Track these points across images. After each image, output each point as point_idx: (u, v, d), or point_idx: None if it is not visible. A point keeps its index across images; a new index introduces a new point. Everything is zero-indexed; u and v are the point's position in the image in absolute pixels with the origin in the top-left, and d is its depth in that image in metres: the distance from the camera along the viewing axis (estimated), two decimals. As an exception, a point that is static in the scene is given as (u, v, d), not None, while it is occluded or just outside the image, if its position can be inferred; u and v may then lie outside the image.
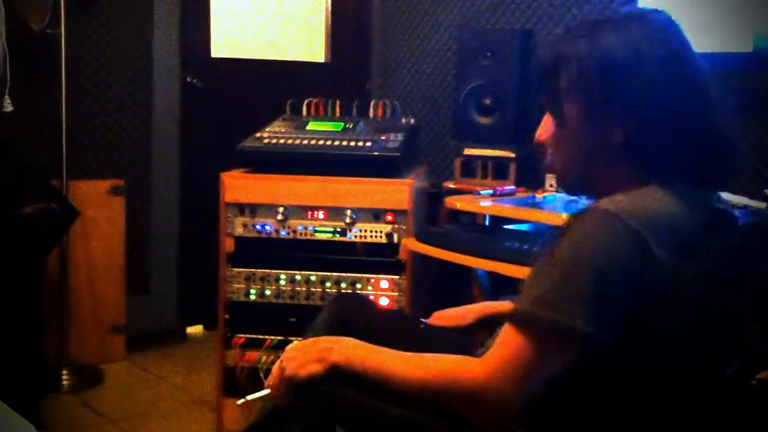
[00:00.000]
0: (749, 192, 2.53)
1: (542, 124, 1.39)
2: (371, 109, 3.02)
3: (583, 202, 1.37)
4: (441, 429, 1.24)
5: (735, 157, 1.34)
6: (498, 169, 3.13)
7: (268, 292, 2.65)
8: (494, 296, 2.56)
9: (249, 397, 1.49)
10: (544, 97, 1.36)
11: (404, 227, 2.58)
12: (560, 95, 1.31)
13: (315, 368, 1.34)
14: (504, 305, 1.70)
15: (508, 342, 1.20)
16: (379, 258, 2.62)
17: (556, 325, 1.15)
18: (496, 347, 1.21)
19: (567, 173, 1.39)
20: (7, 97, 2.79)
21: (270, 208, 2.64)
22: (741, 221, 1.31)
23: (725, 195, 2.04)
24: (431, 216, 3.12)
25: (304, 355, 1.36)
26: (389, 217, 2.59)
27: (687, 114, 1.26)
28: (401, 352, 1.32)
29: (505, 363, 1.18)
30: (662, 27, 1.30)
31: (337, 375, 1.32)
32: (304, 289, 2.63)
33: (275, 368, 1.39)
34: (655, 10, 1.34)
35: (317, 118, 2.96)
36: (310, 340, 1.41)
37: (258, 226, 2.65)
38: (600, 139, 1.29)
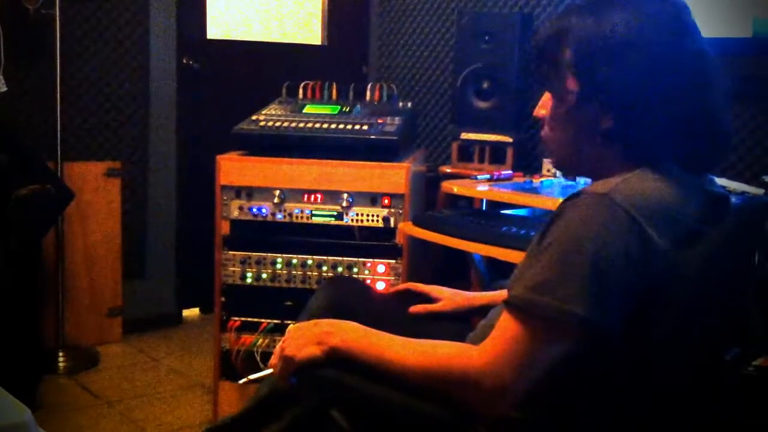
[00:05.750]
0: (747, 179, 2.53)
1: (542, 100, 1.38)
2: (368, 93, 3.00)
3: (581, 185, 1.36)
4: (439, 415, 1.24)
5: (727, 141, 1.34)
6: (495, 154, 3.12)
7: (264, 276, 2.64)
8: (491, 281, 2.56)
9: (252, 377, 1.49)
10: (545, 71, 1.35)
11: (401, 211, 2.57)
12: (562, 69, 1.30)
13: (314, 351, 1.33)
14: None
15: (505, 329, 1.19)
16: (375, 242, 2.61)
17: (556, 311, 1.15)
18: (494, 334, 1.21)
19: (562, 151, 1.38)
20: (1, 77, 2.77)
21: (266, 192, 2.63)
22: (735, 205, 1.31)
23: (723, 181, 2.04)
24: (428, 200, 3.11)
25: (303, 337, 1.35)
26: (386, 201, 2.58)
27: (684, 96, 1.25)
28: (401, 338, 1.31)
29: (504, 350, 1.18)
30: (666, 7, 1.29)
31: (336, 359, 1.32)
32: (300, 272, 2.63)
33: (278, 348, 1.39)
34: None
35: (314, 101, 2.94)
36: (312, 321, 1.40)
37: (254, 210, 2.64)
38: (596, 117, 1.28)
